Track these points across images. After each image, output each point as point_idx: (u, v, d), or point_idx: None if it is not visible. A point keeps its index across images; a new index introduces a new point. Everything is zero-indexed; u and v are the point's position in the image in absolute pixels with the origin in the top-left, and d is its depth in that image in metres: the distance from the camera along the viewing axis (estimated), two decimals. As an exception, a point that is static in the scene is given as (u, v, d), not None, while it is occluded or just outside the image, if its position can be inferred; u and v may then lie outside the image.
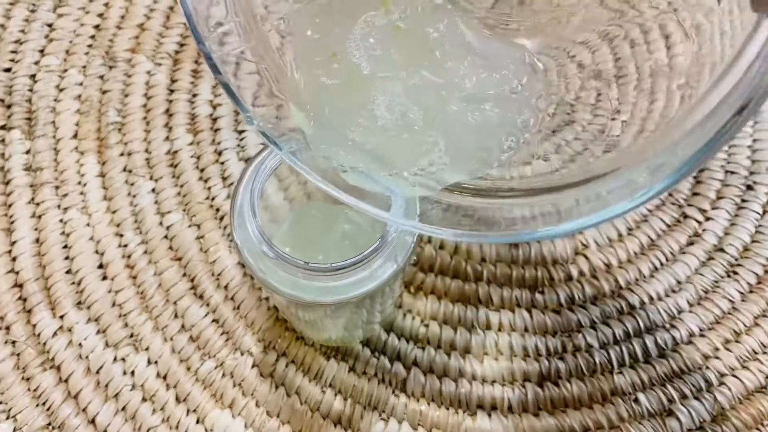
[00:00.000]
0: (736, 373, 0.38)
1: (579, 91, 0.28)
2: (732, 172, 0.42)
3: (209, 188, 0.41)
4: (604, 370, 0.38)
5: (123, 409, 0.36)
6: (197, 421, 0.36)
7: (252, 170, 0.27)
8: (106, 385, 0.36)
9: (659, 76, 0.26)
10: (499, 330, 0.38)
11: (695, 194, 0.42)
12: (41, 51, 0.44)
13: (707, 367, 0.38)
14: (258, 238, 0.25)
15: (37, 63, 0.44)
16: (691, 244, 0.41)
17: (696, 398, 0.37)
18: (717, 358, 0.38)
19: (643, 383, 0.37)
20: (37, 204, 0.40)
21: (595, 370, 0.38)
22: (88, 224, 0.40)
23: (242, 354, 0.37)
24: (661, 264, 0.40)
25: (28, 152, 0.41)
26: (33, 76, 0.43)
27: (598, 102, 0.27)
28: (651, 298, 0.39)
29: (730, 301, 0.39)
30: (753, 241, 0.41)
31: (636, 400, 0.37)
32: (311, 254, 0.31)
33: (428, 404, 0.37)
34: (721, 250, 0.40)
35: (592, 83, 0.28)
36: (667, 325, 0.39)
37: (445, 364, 0.37)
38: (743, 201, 0.42)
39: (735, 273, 0.40)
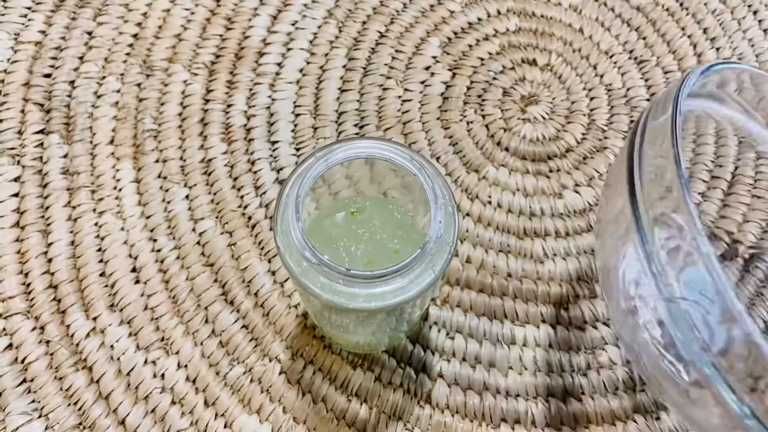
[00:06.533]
0: (759, 395, 0.38)
1: None
2: (758, 197, 0.43)
3: (242, 197, 0.42)
4: (627, 388, 0.38)
5: (152, 411, 0.36)
6: (225, 425, 0.36)
7: (298, 176, 0.27)
8: (137, 387, 0.37)
9: None
10: (524, 345, 0.39)
11: (723, 217, 0.42)
12: (80, 58, 0.45)
13: (730, 388, 0.38)
14: (301, 243, 0.26)
15: (76, 69, 0.45)
16: (715, 265, 0.41)
17: (719, 419, 0.37)
18: (740, 379, 0.38)
19: (667, 402, 0.38)
20: (74, 207, 0.41)
21: (618, 388, 0.38)
22: (122, 228, 0.40)
23: (270, 360, 0.38)
24: (686, 284, 0.40)
25: (65, 156, 0.42)
26: (72, 83, 0.44)
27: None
28: (675, 318, 0.39)
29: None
30: (778, 265, 0.41)
31: (658, 419, 0.37)
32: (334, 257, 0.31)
33: (452, 416, 0.37)
34: (748, 271, 0.41)
35: None
36: (691, 345, 0.39)
37: (469, 376, 0.38)
38: (768, 224, 0.42)
39: (762, 294, 0.40)
